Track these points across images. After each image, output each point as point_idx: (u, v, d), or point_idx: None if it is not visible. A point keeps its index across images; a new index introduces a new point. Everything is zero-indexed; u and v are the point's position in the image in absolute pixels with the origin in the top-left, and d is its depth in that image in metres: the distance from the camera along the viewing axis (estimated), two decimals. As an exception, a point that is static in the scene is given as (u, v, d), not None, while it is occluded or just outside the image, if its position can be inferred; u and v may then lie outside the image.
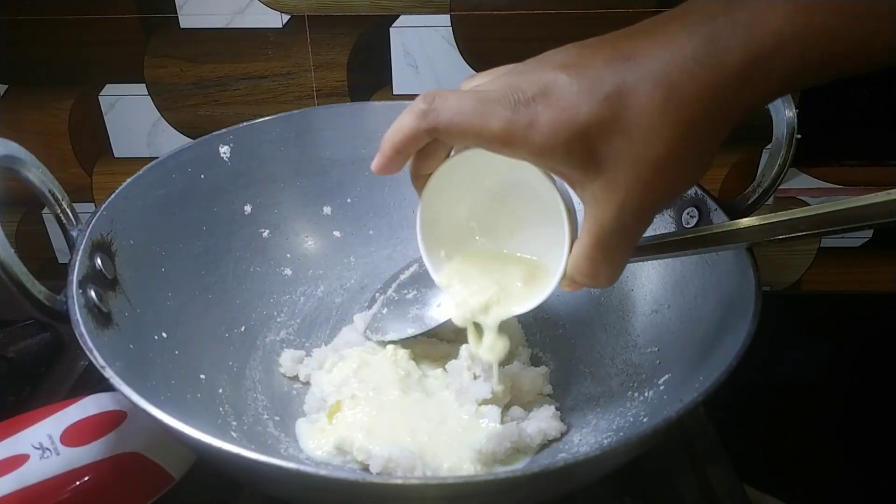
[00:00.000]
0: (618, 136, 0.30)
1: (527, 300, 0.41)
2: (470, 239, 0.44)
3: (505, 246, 0.44)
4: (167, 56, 0.65)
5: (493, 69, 0.36)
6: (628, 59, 0.29)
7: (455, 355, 0.50)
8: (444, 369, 0.51)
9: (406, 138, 0.34)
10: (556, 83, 0.30)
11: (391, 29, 0.64)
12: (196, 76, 0.66)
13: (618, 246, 0.33)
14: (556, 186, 0.37)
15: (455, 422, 0.45)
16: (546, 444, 0.46)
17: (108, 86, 0.67)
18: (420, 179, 0.40)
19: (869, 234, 0.74)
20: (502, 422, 0.46)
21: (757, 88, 0.29)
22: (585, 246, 0.33)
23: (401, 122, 0.34)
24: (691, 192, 0.50)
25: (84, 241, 0.42)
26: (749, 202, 0.48)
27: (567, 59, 0.31)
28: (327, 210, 0.60)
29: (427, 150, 0.37)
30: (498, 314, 0.43)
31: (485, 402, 0.46)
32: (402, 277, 0.56)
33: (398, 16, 0.63)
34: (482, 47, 0.64)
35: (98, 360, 0.35)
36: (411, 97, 0.35)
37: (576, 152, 0.30)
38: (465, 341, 0.51)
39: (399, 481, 0.35)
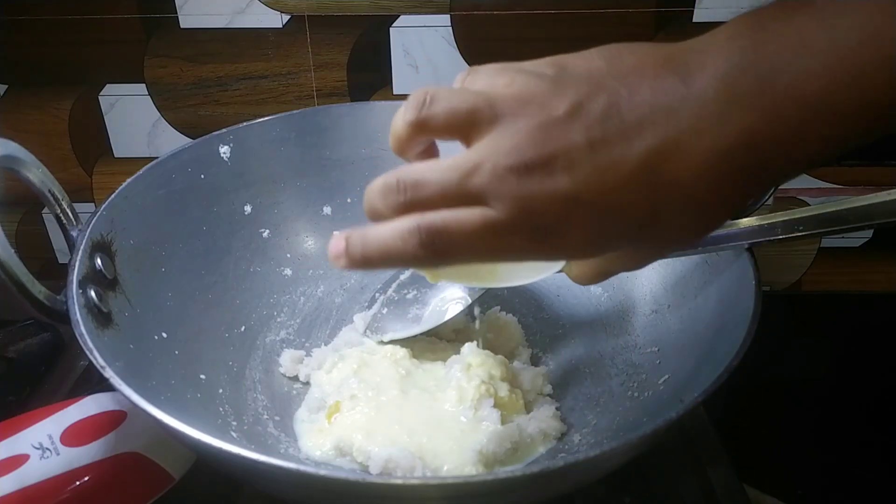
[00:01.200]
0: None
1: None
2: None
3: None
4: (167, 56, 0.65)
5: (498, 72, 0.30)
6: (670, 183, 0.28)
7: (455, 354, 0.50)
8: (444, 369, 0.50)
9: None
10: (578, 210, 0.27)
11: (391, 29, 0.64)
12: (196, 76, 0.66)
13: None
14: None
15: (455, 422, 0.45)
16: (546, 445, 0.46)
17: (108, 86, 0.67)
18: None
19: (869, 234, 0.74)
20: (502, 422, 0.46)
21: (799, 160, 0.28)
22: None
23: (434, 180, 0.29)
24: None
25: (84, 241, 0.42)
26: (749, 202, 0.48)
27: (594, 147, 0.27)
28: (327, 210, 0.60)
29: None
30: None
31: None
32: (402, 277, 0.56)
33: (398, 16, 0.63)
34: (482, 47, 0.64)
35: (98, 360, 0.35)
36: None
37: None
38: (465, 341, 0.51)
39: (399, 481, 0.36)
